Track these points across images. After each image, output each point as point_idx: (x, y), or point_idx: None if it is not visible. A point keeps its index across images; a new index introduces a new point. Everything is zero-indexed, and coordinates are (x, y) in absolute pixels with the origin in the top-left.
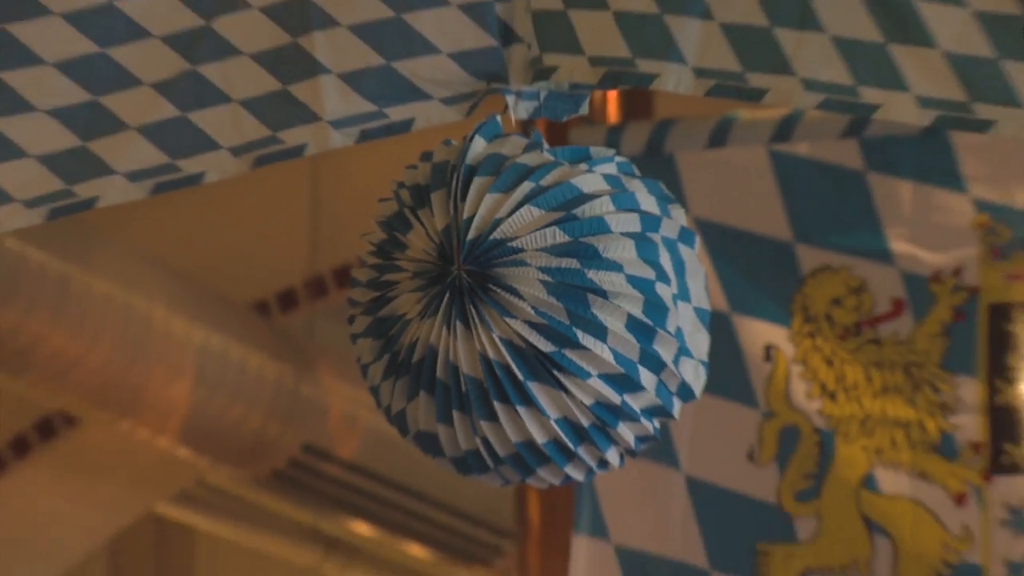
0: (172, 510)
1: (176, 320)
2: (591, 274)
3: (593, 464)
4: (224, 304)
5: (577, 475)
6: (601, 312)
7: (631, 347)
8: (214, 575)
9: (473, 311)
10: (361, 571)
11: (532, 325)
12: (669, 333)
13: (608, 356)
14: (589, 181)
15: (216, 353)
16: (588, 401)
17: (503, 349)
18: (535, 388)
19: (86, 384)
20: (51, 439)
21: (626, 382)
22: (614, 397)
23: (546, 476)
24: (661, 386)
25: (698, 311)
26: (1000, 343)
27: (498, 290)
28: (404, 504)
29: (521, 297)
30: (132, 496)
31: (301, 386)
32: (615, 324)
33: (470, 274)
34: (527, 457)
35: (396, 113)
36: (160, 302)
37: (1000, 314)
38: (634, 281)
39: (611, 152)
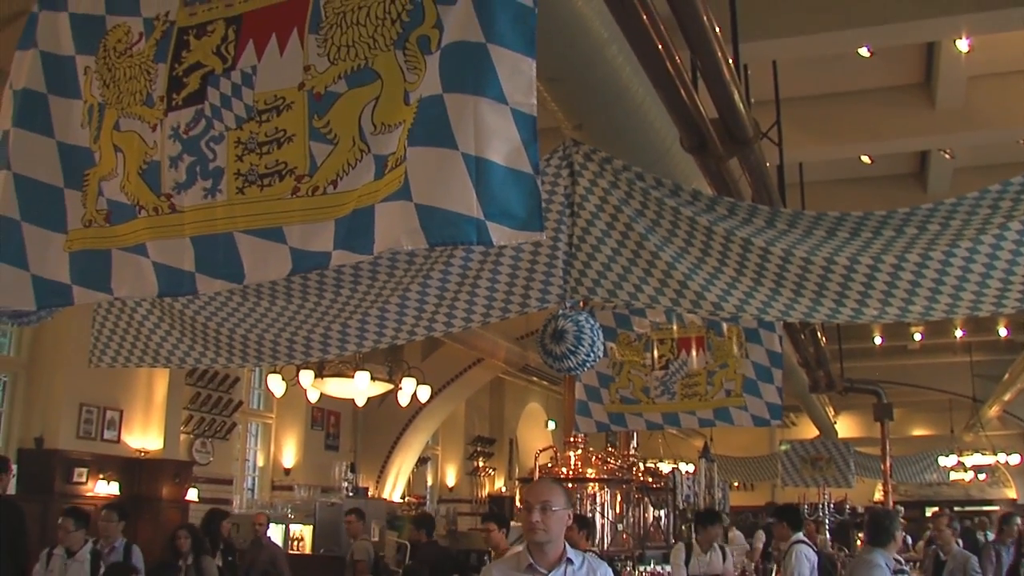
0: (499, 374)
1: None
2: (580, 333)
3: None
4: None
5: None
6: (581, 343)
7: (588, 348)
8: (513, 387)
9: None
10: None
11: (569, 345)
12: (592, 346)
13: (583, 348)
14: (580, 317)
15: (506, 345)
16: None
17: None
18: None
19: (480, 349)
20: (473, 366)
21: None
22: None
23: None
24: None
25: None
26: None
27: (561, 336)
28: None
29: (566, 338)
30: (490, 373)
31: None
32: (586, 342)
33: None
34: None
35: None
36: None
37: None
38: (588, 332)
39: (585, 310)
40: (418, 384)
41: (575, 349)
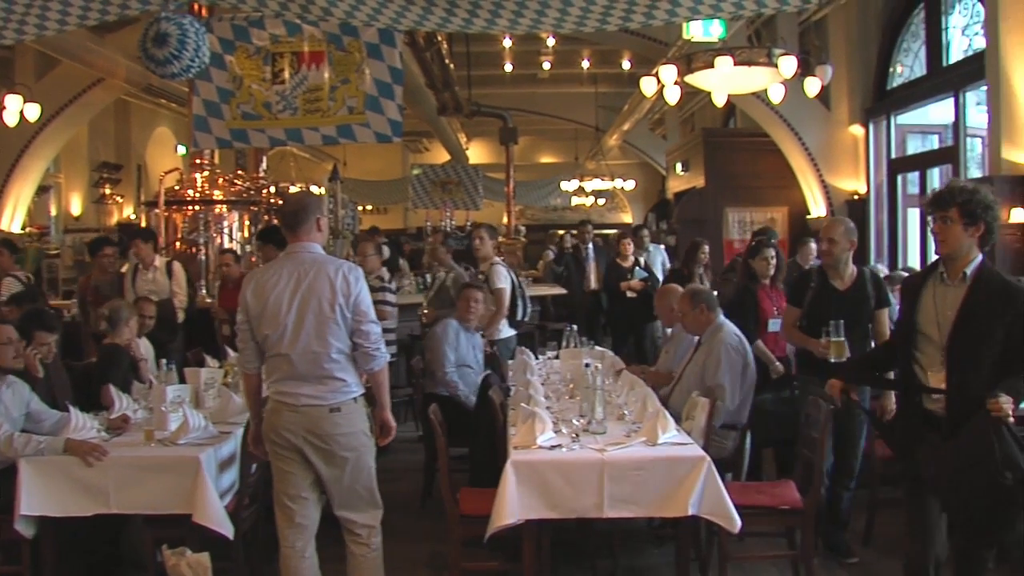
0: (123, 96)
1: (111, 52)
2: (184, 37)
3: None
4: None
5: None
6: (184, 47)
7: (192, 52)
8: (140, 110)
9: (159, 45)
10: None
11: (172, 49)
12: (197, 51)
13: (187, 53)
14: (184, 20)
15: (126, 63)
16: None
17: None
18: None
19: (98, 67)
20: (93, 86)
21: None
22: None
23: None
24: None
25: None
26: None
27: (163, 40)
28: None
29: (168, 42)
30: (111, 94)
31: None
32: (190, 47)
33: (157, 41)
34: None
35: None
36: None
37: None
38: (192, 36)
39: (201, 20)
40: (25, 102)
41: (179, 54)
